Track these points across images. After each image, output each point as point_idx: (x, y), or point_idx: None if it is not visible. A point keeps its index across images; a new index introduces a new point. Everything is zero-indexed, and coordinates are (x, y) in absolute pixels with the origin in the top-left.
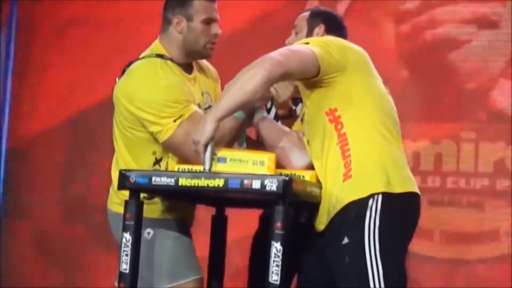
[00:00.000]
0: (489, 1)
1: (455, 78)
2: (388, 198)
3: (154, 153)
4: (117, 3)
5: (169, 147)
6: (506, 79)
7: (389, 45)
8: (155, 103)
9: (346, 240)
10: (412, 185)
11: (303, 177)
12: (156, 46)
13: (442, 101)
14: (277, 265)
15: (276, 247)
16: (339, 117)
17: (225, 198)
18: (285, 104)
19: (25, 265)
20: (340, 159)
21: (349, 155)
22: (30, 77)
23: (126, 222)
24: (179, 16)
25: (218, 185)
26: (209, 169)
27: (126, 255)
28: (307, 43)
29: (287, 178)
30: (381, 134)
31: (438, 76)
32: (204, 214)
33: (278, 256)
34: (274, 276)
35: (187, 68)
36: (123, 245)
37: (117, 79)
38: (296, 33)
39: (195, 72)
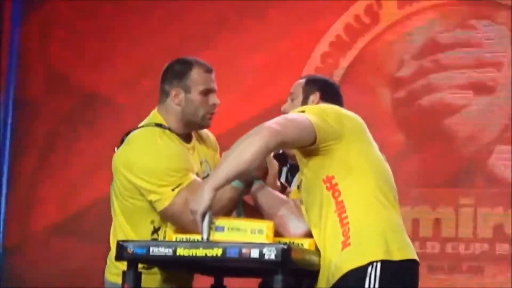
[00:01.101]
0: (484, 67)
1: (452, 144)
2: (387, 265)
3: (152, 222)
4: None
5: (167, 215)
6: (504, 144)
7: (385, 111)
8: (155, 172)
9: None
10: (410, 252)
11: (302, 245)
12: (154, 115)
13: (440, 167)
14: None
15: None
16: (336, 184)
17: (224, 267)
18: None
19: None
20: (338, 227)
21: (347, 222)
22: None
23: None
24: (177, 89)
25: (217, 254)
26: (207, 239)
27: None
28: (303, 111)
29: (285, 247)
30: (379, 200)
31: (435, 141)
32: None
33: None
34: None
35: (186, 137)
36: None
37: (115, 148)
38: (292, 100)
39: (194, 141)
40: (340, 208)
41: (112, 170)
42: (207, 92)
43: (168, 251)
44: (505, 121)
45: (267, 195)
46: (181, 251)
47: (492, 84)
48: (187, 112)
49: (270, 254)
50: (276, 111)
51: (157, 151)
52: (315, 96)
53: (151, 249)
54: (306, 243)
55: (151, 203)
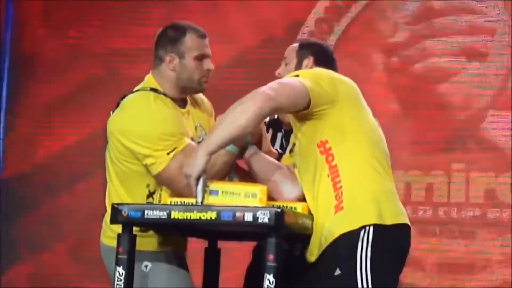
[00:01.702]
0: (477, 32)
1: (445, 109)
2: (380, 229)
3: (147, 186)
4: None
5: (162, 179)
6: (496, 109)
7: (379, 78)
8: (150, 137)
9: (338, 272)
10: (403, 217)
11: (295, 209)
12: (149, 80)
13: (432, 132)
14: None
15: (269, 279)
16: (330, 149)
17: (218, 231)
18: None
19: None
20: (332, 191)
21: (340, 186)
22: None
23: (119, 256)
24: (171, 54)
25: (211, 217)
26: (202, 202)
27: None
28: (298, 76)
29: (279, 210)
30: (372, 166)
31: (428, 107)
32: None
33: None
34: None
35: (181, 102)
36: (116, 278)
37: (111, 112)
38: (286, 64)
39: (189, 105)
40: (334, 173)
41: (107, 134)
42: (201, 57)
43: (162, 214)
44: (497, 86)
45: (261, 160)
46: (175, 214)
47: (485, 50)
48: (181, 77)
49: (264, 217)
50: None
51: (151, 115)
52: (308, 61)
53: (145, 212)
54: (299, 207)
55: (146, 167)
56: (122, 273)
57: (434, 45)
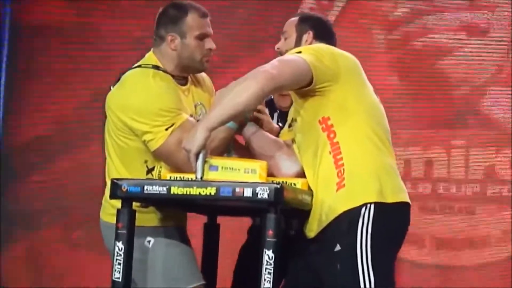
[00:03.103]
0: (478, 8)
1: (445, 85)
2: (380, 207)
3: (145, 162)
4: None
5: (160, 155)
6: (496, 86)
7: (379, 53)
8: (148, 113)
9: (338, 248)
10: (403, 195)
11: (295, 185)
12: (150, 57)
13: (432, 108)
14: (269, 273)
15: (268, 255)
16: (332, 125)
17: (217, 207)
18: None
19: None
20: (333, 168)
21: (342, 164)
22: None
23: (119, 231)
24: (172, 34)
25: (210, 193)
26: (201, 178)
27: (119, 264)
28: (299, 52)
29: (278, 186)
30: (373, 143)
31: (428, 83)
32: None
33: (270, 264)
34: (266, 284)
35: (182, 79)
36: (115, 254)
37: (111, 86)
38: (285, 39)
39: (189, 84)
40: (335, 150)
41: (106, 110)
42: (202, 36)
43: (162, 190)
44: (498, 63)
45: (260, 137)
46: (175, 190)
47: (485, 26)
48: (183, 56)
49: (263, 193)
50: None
51: (149, 91)
52: (308, 35)
53: (145, 187)
54: (299, 183)
55: (145, 143)
56: (121, 248)
57: (434, 21)
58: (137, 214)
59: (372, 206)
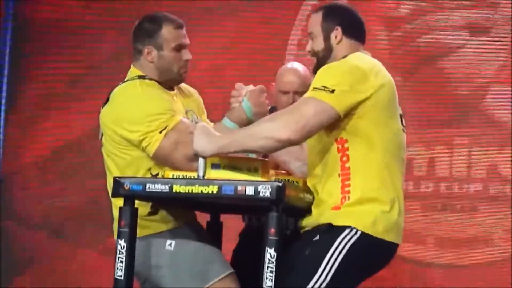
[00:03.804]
0: (480, 7)
1: (447, 84)
2: (366, 237)
3: (149, 169)
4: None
5: (159, 158)
6: (499, 84)
7: (381, 51)
8: (140, 120)
9: (317, 237)
10: (395, 236)
11: (297, 183)
12: (132, 71)
13: (435, 107)
14: (271, 271)
15: (270, 253)
16: (347, 149)
17: (219, 205)
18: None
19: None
20: (338, 192)
21: (348, 191)
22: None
23: (121, 229)
24: (149, 47)
25: (212, 191)
26: (203, 176)
27: (121, 262)
28: (333, 91)
29: (280, 184)
30: (384, 179)
31: (430, 82)
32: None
33: (272, 262)
34: (268, 282)
35: (167, 86)
36: (118, 252)
37: (101, 107)
38: (312, 39)
39: (176, 91)
40: (345, 175)
41: (101, 129)
42: (179, 48)
43: (164, 188)
44: (500, 61)
45: None
46: (177, 188)
47: (488, 25)
48: (161, 68)
49: (265, 191)
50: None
51: (139, 100)
52: (337, 32)
53: (147, 185)
54: (301, 181)
55: (143, 150)
56: (123, 246)
57: (437, 19)
58: (149, 223)
59: (359, 233)
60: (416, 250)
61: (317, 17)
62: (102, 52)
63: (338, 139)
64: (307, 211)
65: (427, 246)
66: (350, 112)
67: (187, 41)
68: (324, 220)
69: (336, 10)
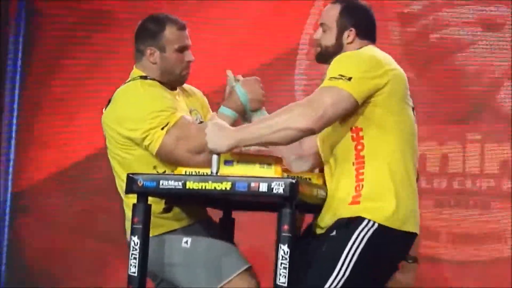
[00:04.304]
0: (494, 2)
1: (460, 80)
2: (384, 229)
3: (155, 167)
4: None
5: (162, 156)
6: None
7: (394, 47)
8: (142, 118)
9: (334, 233)
10: (412, 225)
11: (310, 179)
12: (134, 72)
13: (448, 103)
14: (284, 268)
15: (284, 250)
16: (362, 138)
17: (232, 201)
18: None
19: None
20: (353, 181)
21: (362, 179)
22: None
23: (134, 226)
24: (151, 48)
25: (226, 188)
26: (216, 172)
27: (135, 258)
28: (343, 77)
29: (294, 181)
30: (398, 167)
31: (443, 77)
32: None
33: (286, 259)
34: (282, 279)
35: (169, 87)
36: (131, 248)
37: (103, 109)
38: (324, 31)
39: (178, 91)
40: (359, 163)
41: (104, 131)
42: (182, 49)
43: (177, 184)
44: None
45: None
46: (190, 185)
47: (501, 21)
48: (163, 69)
49: (279, 188)
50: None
51: (140, 98)
52: (350, 33)
53: (161, 182)
54: (314, 178)
55: (146, 148)
56: (137, 243)
57: (450, 15)
58: (162, 221)
59: (376, 225)
60: (429, 246)
61: (334, 11)
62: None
63: (353, 127)
64: (320, 207)
65: (439, 242)
66: (366, 100)
67: (189, 42)
68: (340, 215)
69: (353, 9)
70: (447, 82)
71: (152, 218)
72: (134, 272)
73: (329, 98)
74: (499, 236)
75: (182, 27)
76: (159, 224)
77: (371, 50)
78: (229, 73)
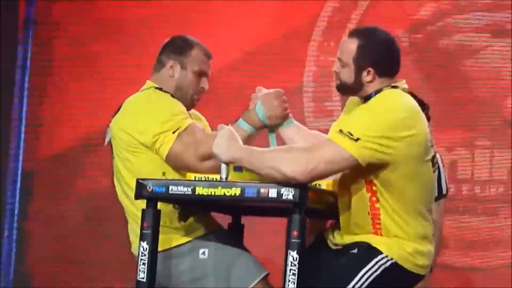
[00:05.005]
0: (502, 9)
1: (469, 86)
2: (398, 267)
3: (164, 174)
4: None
5: (171, 160)
6: None
7: (403, 54)
8: (155, 123)
9: (355, 251)
10: (422, 268)
11: (319, 185)
12: (148, 84)
13: (457, 109)
14: (293, 274)
15: (293, 256)
16: (376, 192)
17: (242, 207)
18: None
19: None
20: (370, 228)
21: (380, 228)
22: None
23: (144, 231)
24: (173, 61)
25: (235, 194)
26: (226, 178)
27: (143, 264)
28: (357, 139)
29: (303, 187)
30: (412, 217)
31: (452, 84)
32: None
33: (295, 265)
34: (291, 285)
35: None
36: (140, 254)
37: (112, 117)
38: (343, 66)
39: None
40: (375, 215)
41: (112, 137)
42: (201, 73)
43: (187, 190)
44: None
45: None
46: (200, 190)
47: (509, 27)
48: (179, 84)
49: (288, 194)
50: None
51: (153, 104)
52: (368, 74)
53: (170, 187)
54: (324, 184)
55: (157, 152)
56: (146, 248)
57: (459, 22)
58: (174, 232)
59: (393, 260)
60: None
61: (351, 46)
62: None
63: (367, 180)
64: (329, 214)
65: (448, 248)
66: (377, 163)
67: (209, 71)
68: (361, 239)
69: (371, 46)
70: (456, 88)
71: (165, 230)
72: (143, 278)
73: (328, 154)
74: (508, 243)
75: (208, 55)
76: (172, 237)
77: (393, 100)
78: (259, 89)
